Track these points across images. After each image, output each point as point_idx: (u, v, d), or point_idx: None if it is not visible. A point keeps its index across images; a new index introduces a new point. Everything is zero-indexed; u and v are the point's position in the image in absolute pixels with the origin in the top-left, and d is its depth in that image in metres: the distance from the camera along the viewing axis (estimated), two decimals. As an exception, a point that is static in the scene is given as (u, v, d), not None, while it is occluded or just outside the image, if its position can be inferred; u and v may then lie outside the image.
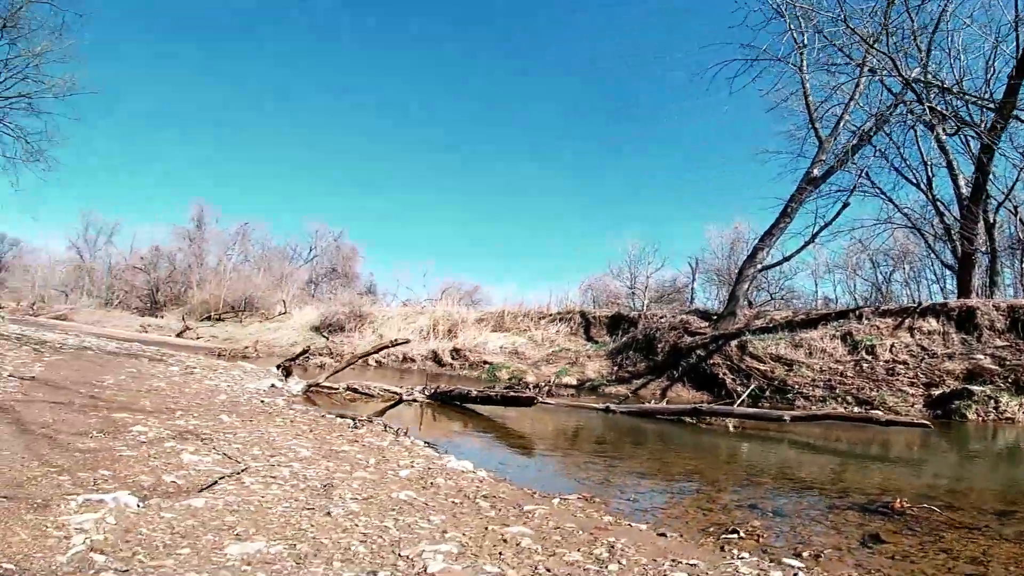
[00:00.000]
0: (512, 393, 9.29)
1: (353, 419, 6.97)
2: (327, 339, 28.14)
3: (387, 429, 6.78)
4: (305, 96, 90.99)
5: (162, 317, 38.65)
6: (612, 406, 10.67)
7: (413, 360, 22.72)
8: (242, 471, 4.37)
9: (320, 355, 22.13)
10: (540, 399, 9.30)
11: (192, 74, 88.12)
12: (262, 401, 7.87)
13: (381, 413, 9.33)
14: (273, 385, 10.16)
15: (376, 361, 23.45)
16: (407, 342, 18.43)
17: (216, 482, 4.02)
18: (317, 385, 10.97)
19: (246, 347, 22.67)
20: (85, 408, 5.63)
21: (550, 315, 23.92)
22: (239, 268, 46.71)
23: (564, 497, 4.79)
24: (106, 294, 46.51)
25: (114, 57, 77.16)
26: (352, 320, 29.08)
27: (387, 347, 12.56)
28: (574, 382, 16.89)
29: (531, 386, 14.15)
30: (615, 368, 17.66)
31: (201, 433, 5.42)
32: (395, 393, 10.83)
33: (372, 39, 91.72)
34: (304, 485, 4.27)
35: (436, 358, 22.10)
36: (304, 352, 16.14)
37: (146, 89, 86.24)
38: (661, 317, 19.10)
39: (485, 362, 19.95)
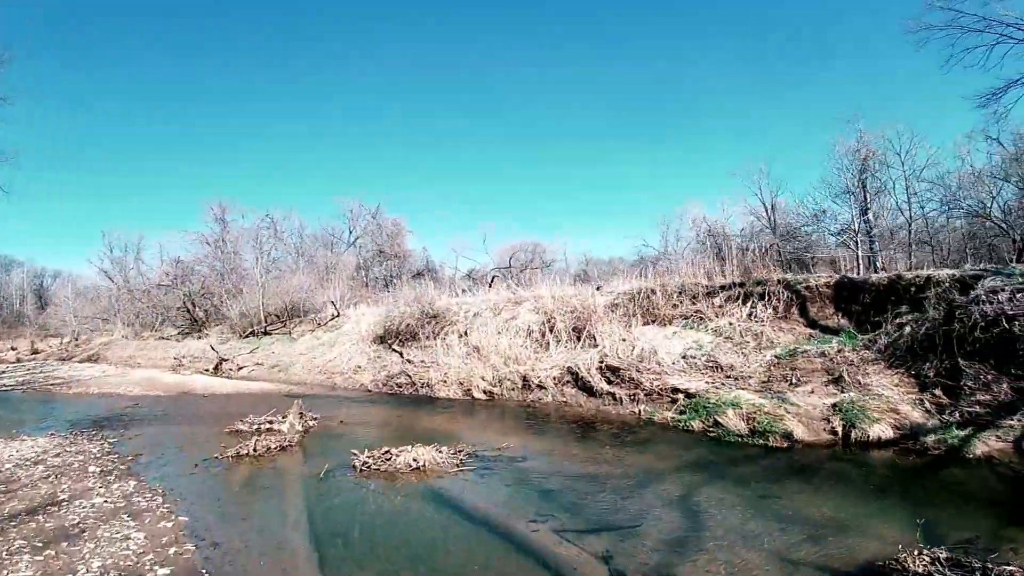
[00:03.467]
0: None
1: None
2: (401, 355, 21.65)
3: None
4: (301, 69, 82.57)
5: (203, 337, 33.19)
6: None
7: (541, 387, 16.01)
8: None
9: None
10: None
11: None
12: None
13: None
14: None
15: (487, 393, 16.92)
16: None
17: None
18: None
19: (282, 425, 12.62)
20: None
21: (722, 288, 16.69)
22: (278, 265, 40.87)
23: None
24: (137, 320, 40.70)
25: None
26: (425, 323, 22.29)
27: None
28: (889, 433, 9.84)
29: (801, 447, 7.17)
30: (927, 387, 10.52)
31: None
32: None
33: None
34: None
35: (579, 382, 15.30)
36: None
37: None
38: (940, 282, 11.72)
39: (675, 390, 13.03)
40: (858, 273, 18.45)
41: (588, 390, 14.88)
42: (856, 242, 19.37)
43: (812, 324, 13.93)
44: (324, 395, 18.77)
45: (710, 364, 13.49)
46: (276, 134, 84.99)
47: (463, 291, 29.97)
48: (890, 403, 10.29)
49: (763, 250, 21.83)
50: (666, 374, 13.61)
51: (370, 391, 19.46)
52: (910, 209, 19.41)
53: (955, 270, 12.19)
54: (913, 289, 12.31)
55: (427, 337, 21.77)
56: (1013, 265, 12.66)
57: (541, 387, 16.00)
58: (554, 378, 15.96)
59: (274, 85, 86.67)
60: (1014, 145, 19.09)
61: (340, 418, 14.41)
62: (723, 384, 12.62)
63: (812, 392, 11.43)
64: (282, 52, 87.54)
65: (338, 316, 29.25)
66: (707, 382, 12.86)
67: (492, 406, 15.93)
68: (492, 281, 38.61)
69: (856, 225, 18.83)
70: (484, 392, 16.95)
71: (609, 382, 14.59)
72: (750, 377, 12.56)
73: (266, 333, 30.82)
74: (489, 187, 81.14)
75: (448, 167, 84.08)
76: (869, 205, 19.78)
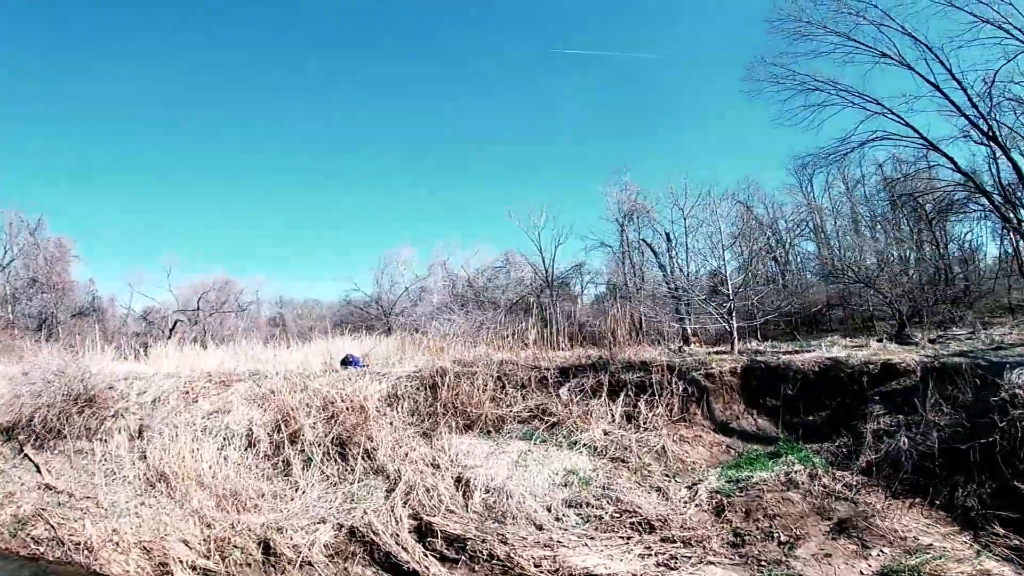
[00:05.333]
0: None
1: None
2: (39, 470, 11.45)
3: None
4: None
5: None
6: None
7: (308, 563, 8.25)
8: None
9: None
10: None
11: None
12: None
13: None
14: None
15: (199, 571, 8.43)
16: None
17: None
18: None
19: None
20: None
21: (565, 372, 11.57)
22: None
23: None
24: None
25: None
26: (76, 409, 12.54)
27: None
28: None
29: None
30: (975, 524, 7.00)
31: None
32: None
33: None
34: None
35: (377, 555, 8.19)
36: None
37: None
38: (909, 371, 8.87)
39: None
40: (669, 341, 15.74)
41: (399, 574, 7.94)
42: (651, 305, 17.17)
43: (723, 429, 9.83)
44: None
45: (626, 516, 8.04)
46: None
47: (137, 336, 20.13)
48: (970, 563, 6.36)
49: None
50: (560, 544, 7.61)
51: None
52: (686, 264, 18.26)
53: (925, 356, 9.45)
54: (865, 379, 9.17)
55: (79, 435, 11.98)
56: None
57: (307, 564, 8.36)
58: (327, 546, 8.51)
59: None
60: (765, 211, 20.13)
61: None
62: (669, 556, 7.29)
63: (826, 555, 6.91)
64: None
65: (-46, 378, 16.88)
66: (640, 554, 7.35)
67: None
68: (174, 327, 30.43)
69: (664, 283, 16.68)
70: (194, 570, 8.41)
71: (444, 559, 7.93)
72: (707, 538, 7.50)
73: None
74: (179, 212, 63.79)
75: (133, 183, 63.73)
76: (674, 263, 18.09)
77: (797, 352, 12.38)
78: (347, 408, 11.56)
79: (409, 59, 71.80)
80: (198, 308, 31.50)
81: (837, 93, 13.21)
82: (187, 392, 13.28)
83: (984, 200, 14.41)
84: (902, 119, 12.87)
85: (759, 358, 10.60)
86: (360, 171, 69.44)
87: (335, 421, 11.30)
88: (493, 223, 67.27)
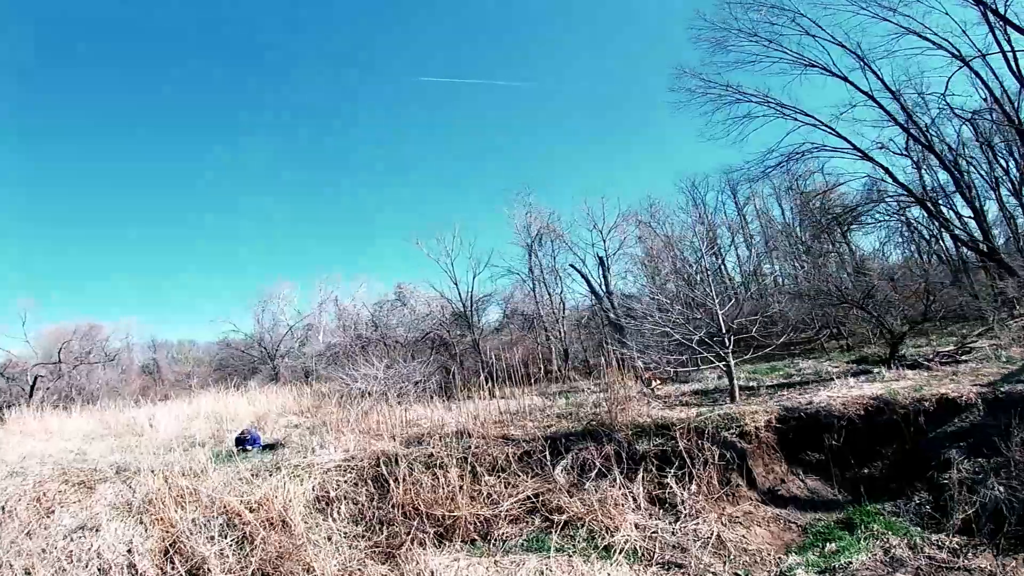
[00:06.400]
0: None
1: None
2: None
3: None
4: None
5: None
6: None
7: None
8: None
9: None
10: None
11: None
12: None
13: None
14: None
15: None
16: None
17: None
18: None
19: None
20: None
21: (553, 442, 9.31)
22: None
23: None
24: None
25: None
26: None
27: None
28: None
29: None
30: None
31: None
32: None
33: None
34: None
35: None
36: None
37: None
38: (971, 406, 7.95)
39: None
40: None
41: None
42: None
43: (772, 498, 8.21)
44: None
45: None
46: None
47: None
48: None
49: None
50: None
51: None
52: (606, 288, 17.09)
53: (981, 387, 8.55)
54: (922, 419, 8.09)
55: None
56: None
57: None
58: None
59: None
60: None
61: None
62: None
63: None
64: None
65: None
66: None
67: None
68: (35, 383, 25.35)
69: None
70: None
71: None
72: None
73: None
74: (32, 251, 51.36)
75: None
76: (611, 289, 16.63)
77: (786, 385, 11.40)
78: (264, 523, 8.40)
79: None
80: (59, 360, 26.61)
81: (765, 104, 12.69)
82: (39, 499, 9.16)
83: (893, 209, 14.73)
84: (833, 130, 12.70)
85: (785, 403, 9.25)
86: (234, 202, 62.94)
87: (250, 545, 8.09)
88: (378, 254, 63.60)
